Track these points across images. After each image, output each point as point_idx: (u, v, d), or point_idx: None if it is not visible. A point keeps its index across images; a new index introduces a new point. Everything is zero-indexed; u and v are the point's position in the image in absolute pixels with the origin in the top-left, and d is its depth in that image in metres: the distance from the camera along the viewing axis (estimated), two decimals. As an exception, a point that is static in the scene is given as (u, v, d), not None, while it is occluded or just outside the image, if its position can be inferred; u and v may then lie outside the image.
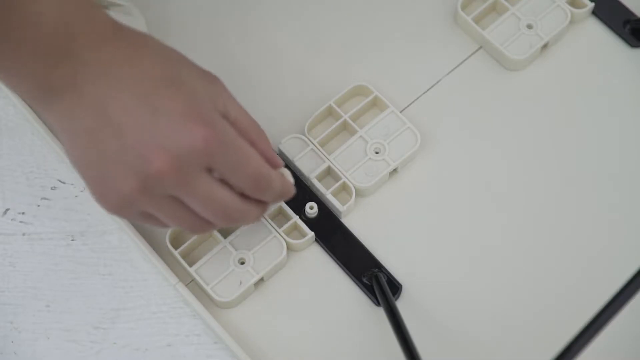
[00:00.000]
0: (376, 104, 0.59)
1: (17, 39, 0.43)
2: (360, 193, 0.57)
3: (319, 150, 0.57)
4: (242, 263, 0.54)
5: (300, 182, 0.57)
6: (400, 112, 0.59)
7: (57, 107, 0.45)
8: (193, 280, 0.55)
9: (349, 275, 0.55)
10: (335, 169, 0.57)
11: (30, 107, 0.46)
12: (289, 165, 0.57)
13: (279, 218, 0.56)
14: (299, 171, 0.57)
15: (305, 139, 0.58)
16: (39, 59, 0.44)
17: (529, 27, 0.61)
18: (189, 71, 0.47)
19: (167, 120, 0.44)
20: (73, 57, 0.44)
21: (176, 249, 0.54)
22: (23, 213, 0.57)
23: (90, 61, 0.44)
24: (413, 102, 0.60)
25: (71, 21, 0.44)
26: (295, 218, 0.55)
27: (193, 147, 0.45)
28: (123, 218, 0.48)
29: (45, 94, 0.45)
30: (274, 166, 0.50)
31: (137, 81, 0.45)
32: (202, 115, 0.45)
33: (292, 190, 0.52)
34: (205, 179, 0.46)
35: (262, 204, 0.50)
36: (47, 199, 0.57)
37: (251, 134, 0.48)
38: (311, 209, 0.56)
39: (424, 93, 0.60)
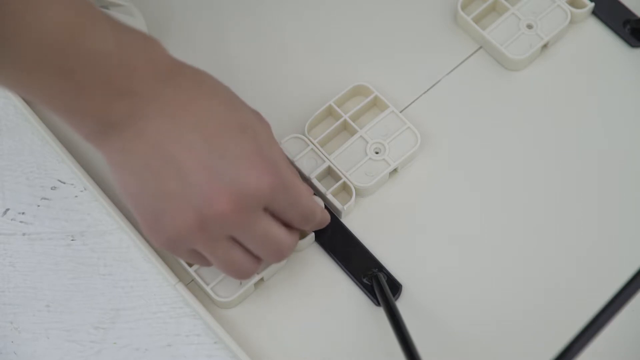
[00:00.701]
0: (376, 104, 0.59)
1: (79, 78, 0.43)
2: (360, 193, 0.57)
3: (319, 150, 0.57)
4: (242, 263, 0.54)
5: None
6: (400, 112, 0.59)
7: (115, 142, 0.45)
8: (193, 280, 0.55)
9: (349, 276, 0.55)
10: (335, 169, 0.57)
11: (89, 142, 0.46)
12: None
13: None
14: (299, 171, 0.57)
15: (305, 139, 0.58)
16: (100, 96, 0.43)
17: (529, 27, 0.61)
18: (247, 112, 0.48)
19: (233, 163, 0.45)
20: (134, 94, 0.44)
21: (176, 249, 0.54)
22: (23, 213, 0.57)
23: (151, 98, 0.44)
24: (413, 102, 0.60)
25: (132, 58, 0.44)
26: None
27: (259, 192, 0.46)
28: (172, 253, 0.48)
29: (104, 129, 0.44)
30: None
31: (200, 121, 0.45)
32: (267, 160, 0.46)
33: (328, 218, 0.55)
34: (264, 218, 0.47)
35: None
36: (47, 199, 0.57)
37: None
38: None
39: (424, 93, 0.60)
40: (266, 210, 0.48)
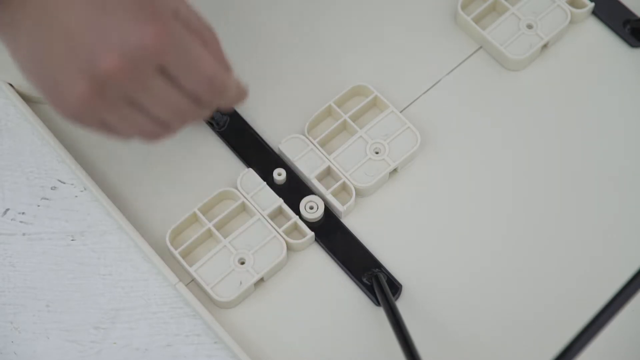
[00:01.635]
0: (376, 104, 0.59)
1: None
2: (360, 193, 0.57)
3: (319, 150, 0.57)
4: (242, 263, 0.54)
5: (300, 181, 0.57)
6: (400, 112, 0.59)
7: (3, 13, 0.44)
8: (193, 280, 0.55)
9: (349, 275, 0.55)
10: (335, 169, 0.57)
11: None
12: (289, 166, 0.57)
13: (279, 218, 0.56)
14: (299, 171, 0.57)
15: (305, 139, 0.58)
16: None
17: (529, 27, 0.61)
18: None
19: (115, 17, 0.43)
20: None
21: (176, 249, 0.54)
22: (23, 213, 0.57)
23: None
24: (413, 102, 0.60)
25: None
26: (295, 218, 0.55)
27: (143, 44, 0.43)
28: (84, 127, 0.47)
29: None
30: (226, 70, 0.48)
31: None
32: (153, 13, 0.43)
33: (246, 94, 0.50)
34: (160, 79, 0.45)
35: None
36: (47, 199, 0.57)
37: (203, 35, 0.47)
38: (312, 209, 0.56)
39: (424, 93, 0.60)
40: (165, 74, 0.45)
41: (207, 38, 0.47)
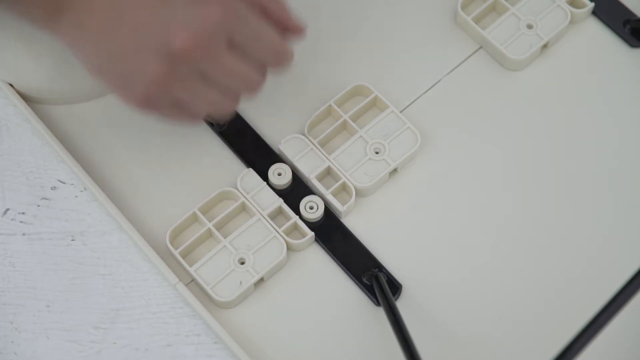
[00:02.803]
0: (376, 104, 0.59)
1: None
2: (360, 193, 0.57)
3: (319, 150, 0.57)
4: (242, 263, 0.54)
5: (300, 181, 0.57)
6: (400, 112, 0.59)
7: (69, 19, 0.47)
8: (193, 280, 0.55)
9: (349, 275, 0.55)
10: (335, 169, 0.57)
11: (46, 29, 0.48)
12: (289, 165, 0.57)
13: (279, 218, 0.56)
14: (299, 171, 0.57)
15: (305, 139, 0.58)
16: None
17: (529, 27, 0.61)
18: None
19: (181, 3, 0.47)
20: None
21: (176, 248, 0.54)
22: (23, 213, 0.57)
23: None
24: (413, 102, 0.60)
25: None
26: (295, 218, 0.55)
27: (211, 21, 0.47)
28: (154, 112, 0.50)
29: (55, 9, 0.47)
30: (295, 30, 0.52)
31: None
32: None
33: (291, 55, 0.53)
34: (229, 52, 0.48)
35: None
36: (47, 199, 0.57)
37: (262, 3, 0.50)
38: (312, 209, 0.56)
39: (424, 93, 0.60)
40: (232, 47, 0.49)
41: (265, 4, 0.50)
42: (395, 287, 0.55)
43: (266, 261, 0.54)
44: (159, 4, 0.47)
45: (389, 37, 0.62)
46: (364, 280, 0.55)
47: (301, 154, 0.57)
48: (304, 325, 0.54)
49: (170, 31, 0.46)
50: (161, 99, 0.49)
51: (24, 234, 0.56)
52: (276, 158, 0.58)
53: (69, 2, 0.47)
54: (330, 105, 0.59)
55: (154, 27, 0.46)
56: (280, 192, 0.56)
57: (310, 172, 0.56)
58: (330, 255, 0.56)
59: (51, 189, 0.58)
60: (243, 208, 0.56)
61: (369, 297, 0.55)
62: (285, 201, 0.56)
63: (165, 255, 0.55)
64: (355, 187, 0.56)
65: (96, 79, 0.49)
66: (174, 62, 0.47)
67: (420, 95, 0.60)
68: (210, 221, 0.55)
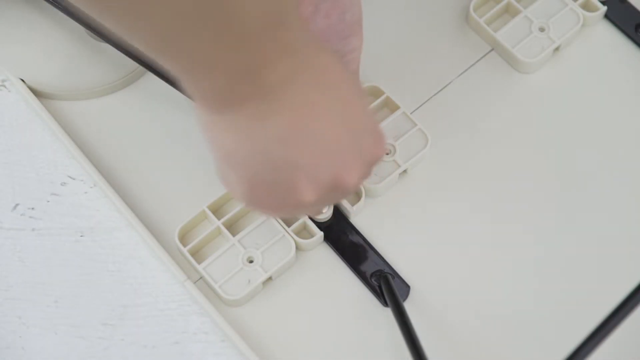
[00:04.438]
0: (387, 105, 0.59)
1: (231, 33, 0.37)
2: (369, 194, 0.57)
3: (329, 150, 0.57)
4: (251, 261, 0.54)
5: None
6: (411, 113, 0.59)
7: (250, 107, 0.40)
8: (201, 277, 0.55)
9: (357, 276, 0.55)
10: (345, 169, 0.57)
11: (213, 107, 0.41)
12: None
13: (288, 217, 0.56)
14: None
15: (316, 138, 0.57)
16: (267, 49, 0.38)
17: (541, 29, 0.61)
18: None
19: (364, 135, 0.44)
20: (297, 52, 0.39)
21: (185, 246, 0.54)
22: (33, 208, 0.57)
23: (309, 62, 0.40)
24: (424, 103, 0.60)
25: (293, 19, 0.39)
26: (305, 218, 0.55)
27: (376, 160, 0.46)
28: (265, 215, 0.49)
29: (249, 90, 0.39)
30: None
31: (339, 92, 0.43)
32: (382, 131, 0.46)
33: None
34: None
35: None
36: (56, 194, 0.58)
37: None
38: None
39: (435, 94, 0.60)
40: None
41: None
42: (403, 288, 0.54)
43: (275, 260, 0.54)
44: (346, 126, 0.43)
45: (400, 38, 0.62)
46: (372, 280, 0.55)
47: (311, 154, 0.57)
48: (311, 325, 0.54)
49: (348, 166, 0.43)
50: (285, 216, 0.48)
51: (33, 229, 0.57)
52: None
53: (272, 88, 0.39)
54: (341, 105, 0.59)
55: (335, 155, 0.43)
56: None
57: (320, 172, 0.56)
58: (338, 255, 0.56)
59: (61, 184, 0.58)
60: (252, 207, 0.56)
61: (377, 297, 0.54)
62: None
63: (174, 253, 0.55)
64: (365, 188, 0.56)
65: (229, 172, 0.44)
66: (327, 195, 0.44)
67: (432, 97, 0.60)
68: (219, 219, 0.55)
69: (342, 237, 0.56)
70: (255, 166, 0.43)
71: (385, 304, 0.54)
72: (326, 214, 0.55)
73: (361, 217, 0.57)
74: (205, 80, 0.39)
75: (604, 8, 0.62)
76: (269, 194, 0.44)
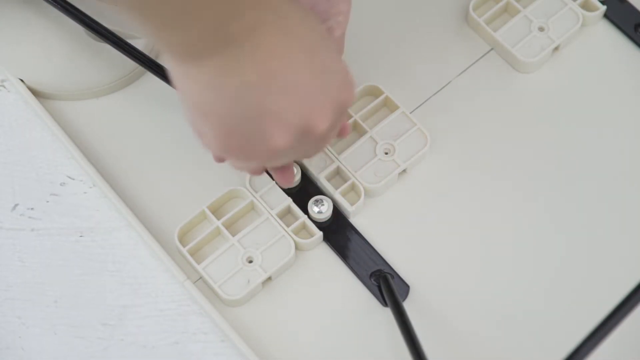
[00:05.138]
0: (386, 105, 0.59)
1: None
2: (369, 193, 0.57)
3: (328, 150, 0.57)
4: (250, 261, 0.54)
5: (310, 181, 0.57)
6: (411, 112, 0.59)
7: (218, 59, 0.41)
8: (201, 278, 0.55)
9: (356, 276, 0.55)
10: (345, 169, 0.57)
11: (181, 61, 0.42)
12: (298, 165, 0.57)
13: (288, 217, 0.56)
14: (308, 171, 0.57)
15: (315, 138, 0.57)
16: (220, 4, 0.39)
17: (541, 29, 0.61)
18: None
19: (333, 80, 0.45)
20: (260, 3, 0.41)
21: (185, 246, 0.54)
22: (32, 208, 0.57)
23: (272, 11, 0.42)
24: (423, 102, 0.60)
25: None
26: (304, 217, 0.55)
27: (349, 106, 0.47)
28: (239, 168, 0.50)
29: (217, 40, 0.41)
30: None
31: (305, 37, 0.44)
32: (351, 75, 0.48)
33: None
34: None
35: None
36: (56, 194, 0.58)
37: None
38: (320, 209, 0.56)
39: (434, 94, 0.60)
40: None
41: None
42: (402, 288, 0.54)
43: (274, 260, 0.54)
44: (314, 71, 0.44)
45: (400, 37, 0.62)
46: (372, 280, 0.55)
47: (311, 154, 0.57)
48: (310, 325, 0.54)
49: (317, 107, 0.44)
50: (260, 165, 0.48)
51: (32, 230, 0.57)
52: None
53: (236, 38, 0.41)
54: (340, 105, 0.59)
55: (302, 97, 0.44)
56: (289, 192, 0.56)
57: (319, 172, 0.56)
58: (338, 255, 0.56)
59: (60, 184, 0.58)
60: (252, 207, 0.56)
61: (376, 297, 0.54)
62: (294, 200, 0.56)
63: (174, 253, 0.55)
64: (364, 188, 0.56)
65: (203, 125, 0.45)
66: (299, 141, 0.45)
67: (431, 96, 0.60)
68: (219, 219, 0.55)
69: (342, 236, 0.56)
70: (226, 115, 0.44)
71: (384, 303, 0.54)
72: (325, 213, 0.55)
73: (360, 217, 0.57)
74: (174, 36, 0.41)
75: (604, 8, 0.62)
76: (242, 141, 0.45)
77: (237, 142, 0.45)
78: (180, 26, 0.40)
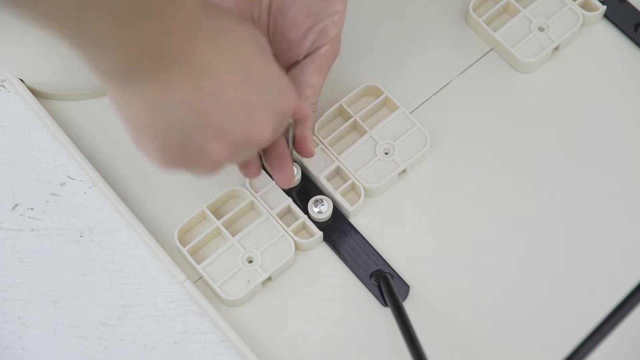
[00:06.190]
0: (386, 105, 0.59)
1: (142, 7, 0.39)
2: (369, 193, 0.57)
3: (329, 150, 0.57)
4: (250, 261, 0.54)
5: (309, 181, 0.57)
6: (410, 112, 0.59)
7: (153, 79, 0.42)
8: (201, 278, 0.55)
9: (356, 276, 0.55)
10: (345, 169, 0.57)
11: (114, 81, 0.42)
12: (298, 165, 0.57)
13: (288, 217, 0.56)
14: (308, 171, 0.57)
15: (315, 138, 0.57)
16: (159, 24, 0.40)
17: (541, 29, 0.61)
18: (260, 35, 0.48)
19: (271, 90, 0.46)
20: (187, 24, 0.41)
21: (184, 246, 0.54)
22: (32, 209, 0.57)
23: (199, 28, 0.42)
24: (423, 102, 0.60)
25: None
26: (304, 217, 0.55)
27: (289, 114, 0.48)
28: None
29: (149, 62, 0.41)
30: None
31: (237, 51, 0.44)
32: (290, 84, 0.48)
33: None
34: None
35: None
36: (56, 194, 0.58)
37: None
38: (320, 209, 0.56)
39: (434, 94, 0.60)
40: None
41: None
42: (402, 288, 0.54)
43: (274, 260, 0.54)
44: (250, 83, 0.45)
45: (400, 37, 0.62)
46: (372, 280, 0.55)
47: (310, 154, 0.57)
48: (310, 325, 0.54)
49: (256, 121, 0.45)
50: (196, 174, 0.48)
51: (32, 230, 0.57)
52: (285, 157, 0.58)
53: (168, 57, 0.41)
54: (340, 105, 0.59)
55: (242, 113, 0.45)
56: (289, 192, 0.56)
57: (319, 172, 0.56)
58: (338, 255, 0.56)
59: (60, 184, 0.58)
60: (252, 207, 0.56)
61: (376, 297, 0.54)
62: (294, 200, 0.56)
63: (174, 253, 0.55)
64: (364, 188, 0.56)
65: (144, 142, 0.45)
66: (237, 152, 0.46)
67: (431, 96, 0.60)
68: (219, 219, 0.55)
69: (342, 237, 0.56)
70: (165, 134, 0.44)
71: (384, 303, 0.54)
72: (325, 213, 0.55)
73: (360, 217, 0.57)
74: (104, 57, 0.40)
75: (604, 8, 0.62)
76: (183, 156, 0.46)
77: (179, 157, 0.46)
78: (104, 49, 0.40)
